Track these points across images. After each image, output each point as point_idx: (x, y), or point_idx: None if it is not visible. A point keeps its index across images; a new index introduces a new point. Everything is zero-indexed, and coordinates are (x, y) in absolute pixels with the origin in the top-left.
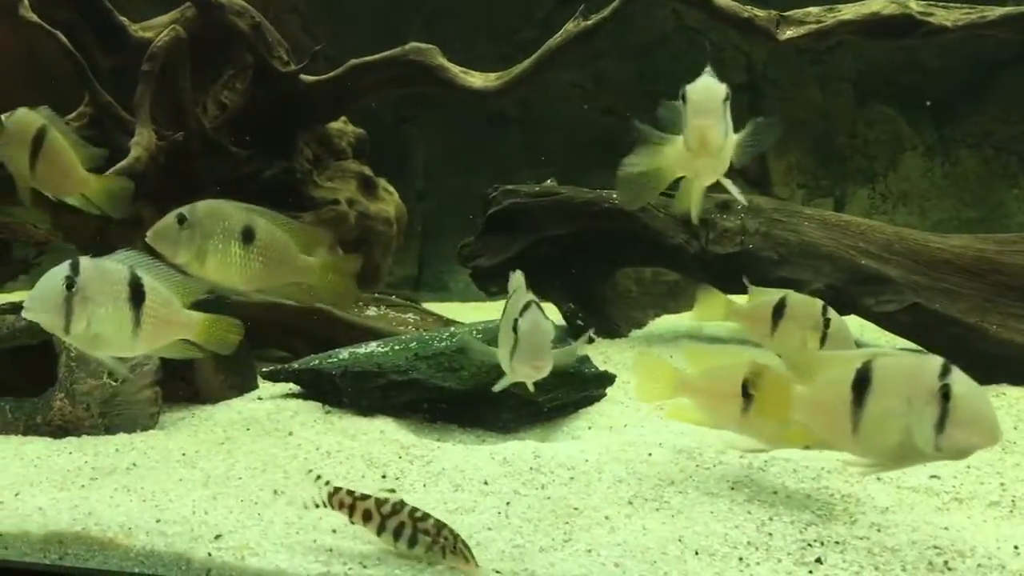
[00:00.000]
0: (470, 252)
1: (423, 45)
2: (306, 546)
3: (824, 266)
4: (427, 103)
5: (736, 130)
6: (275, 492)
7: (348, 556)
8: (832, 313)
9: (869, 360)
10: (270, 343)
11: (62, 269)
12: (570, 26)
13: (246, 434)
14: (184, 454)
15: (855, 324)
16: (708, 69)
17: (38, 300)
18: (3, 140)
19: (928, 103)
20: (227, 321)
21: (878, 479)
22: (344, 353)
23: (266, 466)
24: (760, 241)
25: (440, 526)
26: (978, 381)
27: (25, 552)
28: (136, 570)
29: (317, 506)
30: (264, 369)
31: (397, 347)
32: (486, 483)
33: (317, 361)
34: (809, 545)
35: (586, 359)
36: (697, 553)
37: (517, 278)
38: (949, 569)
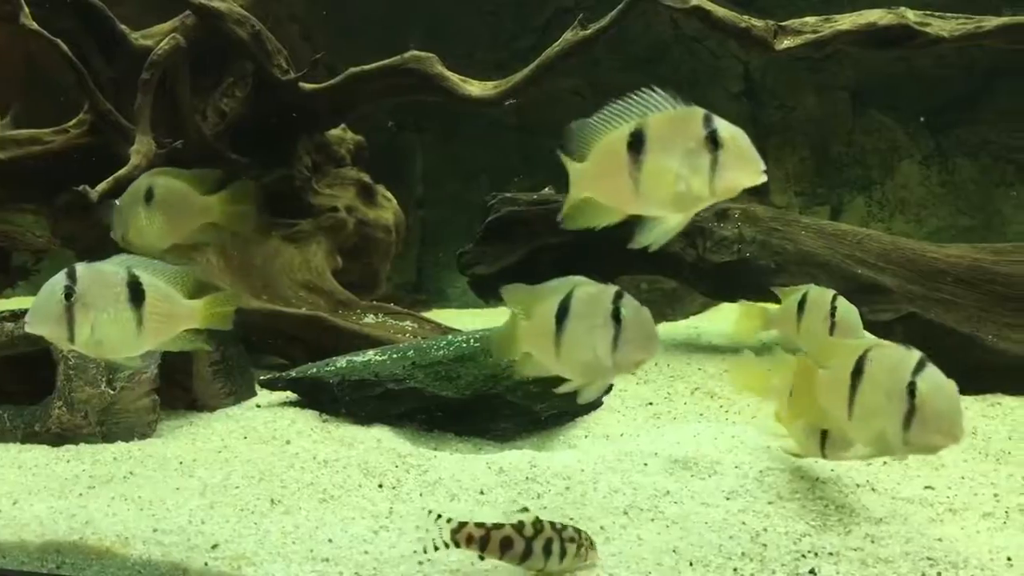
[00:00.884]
0: (468, 260)
1: (422, 53)
2: (303, 556)
3: (820, 275)
4: (427, 110)
5: None
6: (272, 501)
7: (344, 566)
8: (841, 301)
9: (868, 350)
10: (269, 351)
11: (60, 279)
12: (568, 35)
13: (243, 443)
14: (182, 462)
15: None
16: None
17: (39, 313)
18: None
19: (924, 114)
20: (221, 297)
21: (873, 490)
22: (342, 361)
23: (263, 475)
24: (757, 250)
25: (578, 530)
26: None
27: (23, 561)
28: None
29: (437, 549)
30: (262, 377)
31: (395, 355)
32: (482, 492)
33: (315, 369)
34: (803, 556)
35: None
36: (692, 564)
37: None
38: None
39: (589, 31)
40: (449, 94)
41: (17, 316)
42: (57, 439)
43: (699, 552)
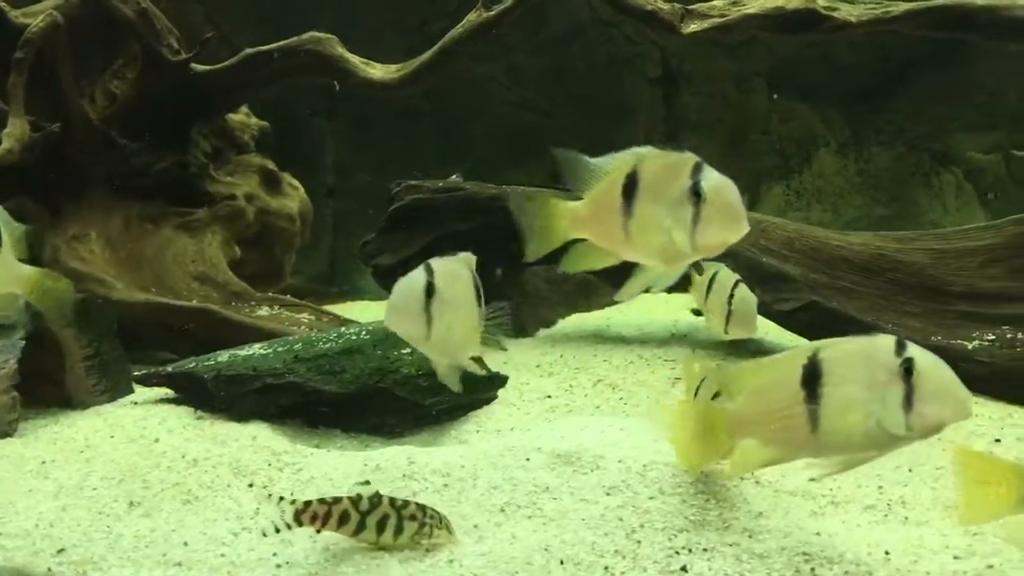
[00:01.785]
0: (371, 250)
1: (321, 35)
2: (154, 560)
3: (727, 264)
4: (337, 96)
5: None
6: (131, 503)
7: (197, 570)
8: (740, 288)
9: (815, 352)
10: (155, 345)
11: None
12: (472, 17)
13: (109, 442)
14: (43, 463)
15: (760, 325)
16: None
17: None
18: None
19: (840, 102)
20: (63, 282)
21: (757, 483)
22: (224, 355)
23: (124, 476)
24: None
25: (423, 508)
26: None
27: None
28: None
29: (278, 531)
30: (136, 373)
31: (280, 348)
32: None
33: (193, 364)
34: (676, 553)
35: (478, 360)
36: (562, 562)
37: None
38: None
39: (493, 12)
40: (350, 77)
41: None
42: None
43: (571, 550)
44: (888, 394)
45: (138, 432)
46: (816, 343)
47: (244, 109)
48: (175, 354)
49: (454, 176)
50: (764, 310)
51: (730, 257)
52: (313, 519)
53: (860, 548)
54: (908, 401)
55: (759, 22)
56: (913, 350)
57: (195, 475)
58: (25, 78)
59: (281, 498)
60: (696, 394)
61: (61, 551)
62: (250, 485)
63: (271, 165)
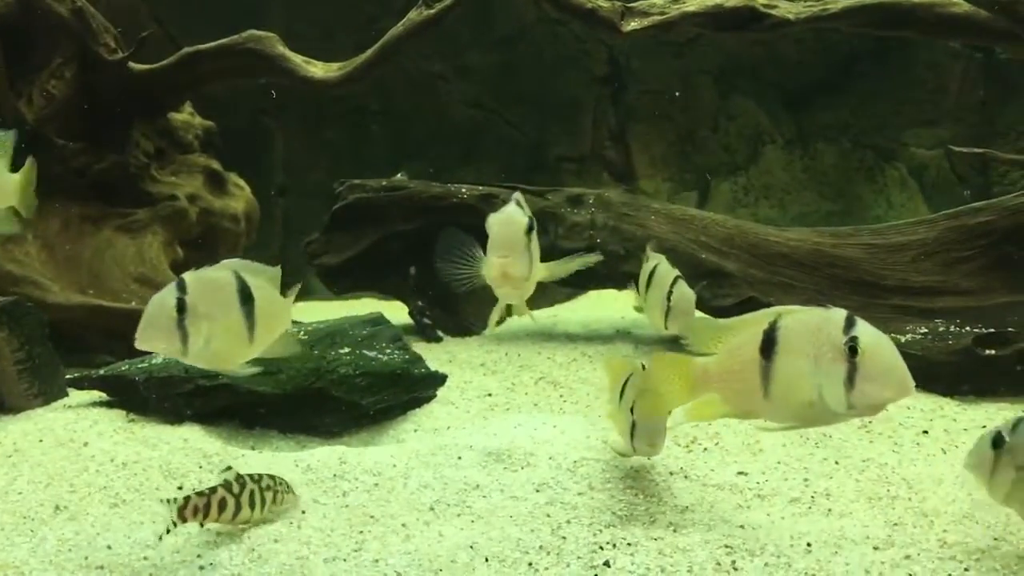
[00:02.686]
0: (315, 249)
1: (262, 33)
2: (76, 563)
3: (668, 261)
4: (285, 94)
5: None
6: (56, 508)
7: (120, 573)
8: (679, 285)
9: (775, 320)
10: (94, 348)
11: None
12: (413, 14)
13: (37, 446)
14: None
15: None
16: (516, 195)
17: None
18: None
19: (785, 99)
20: None
21: (685, 477)
22: (159, 358)
23: (51, 480)
24: (608, 235)
25: (272, 476)
26: None
27: None
28: None
29: (169, 531)
30: (67, 376)
31: None
32: None
33: (125, 366)
34: (600, 548)
35: (418, 360)
36: (487, 560)
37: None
38: (736, 569)
39: (434, 10)
40: (290, 75)
41: None
42: None
43: (497, 547)
44: (832, 371)
45: (68, 436)
46: (780, 308)
47: (188, 109)
48: (113, 357)
49: (399, 175)
50: (703, 306)
51: (672, 254)
52: (195, 513)
53: (782, 540)
54: (851, 379)
55: (699, 20)
56: (860, 328)
57: (123, 478)
58: None
59: (171, 500)
60: (622, 395)
61: None
62: (180, 487)
63: (216, 165)
